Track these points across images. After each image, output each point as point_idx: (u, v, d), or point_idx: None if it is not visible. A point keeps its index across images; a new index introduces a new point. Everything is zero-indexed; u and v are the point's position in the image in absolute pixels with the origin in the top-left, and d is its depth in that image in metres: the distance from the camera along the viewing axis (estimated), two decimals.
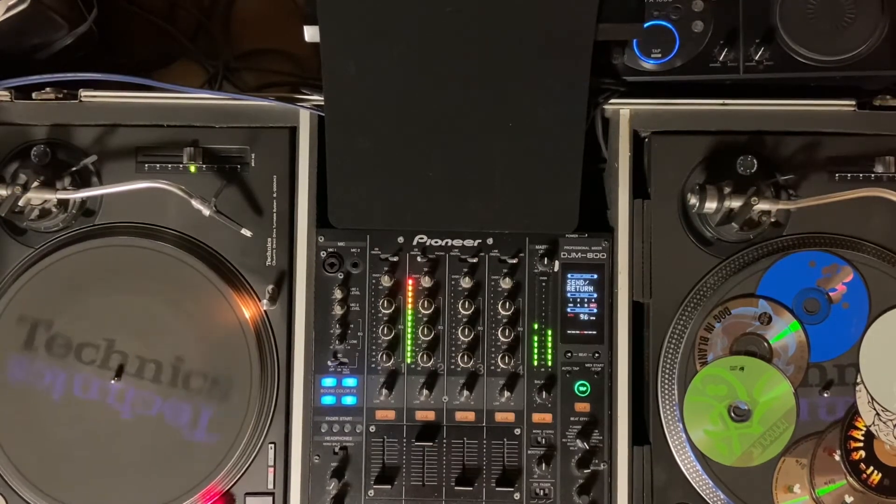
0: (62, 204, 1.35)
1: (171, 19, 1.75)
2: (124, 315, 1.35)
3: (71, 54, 1.52)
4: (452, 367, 1.38)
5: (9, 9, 1.35)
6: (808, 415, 1.33)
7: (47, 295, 1.35)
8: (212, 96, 1.42)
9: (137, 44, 1.75)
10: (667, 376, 1.36)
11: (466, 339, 1.38)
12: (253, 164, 1.40)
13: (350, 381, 1.38)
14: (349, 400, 1.38)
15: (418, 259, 1.39)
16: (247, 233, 1.34)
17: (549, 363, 1.38)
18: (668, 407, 1.36)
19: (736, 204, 1.32)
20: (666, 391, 1.36)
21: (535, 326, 1.39)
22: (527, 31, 1.25)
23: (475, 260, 1.39)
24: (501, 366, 1.38)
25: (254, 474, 1.36)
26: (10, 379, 1.34)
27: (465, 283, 1.38)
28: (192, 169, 1.38)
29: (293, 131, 1.40)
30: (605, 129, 1.44)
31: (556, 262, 1.39)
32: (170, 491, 1.34)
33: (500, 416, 1.38)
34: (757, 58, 1.40)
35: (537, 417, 1.37)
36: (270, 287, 1.37)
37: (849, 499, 1.32)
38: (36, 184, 1.31)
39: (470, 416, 1.38)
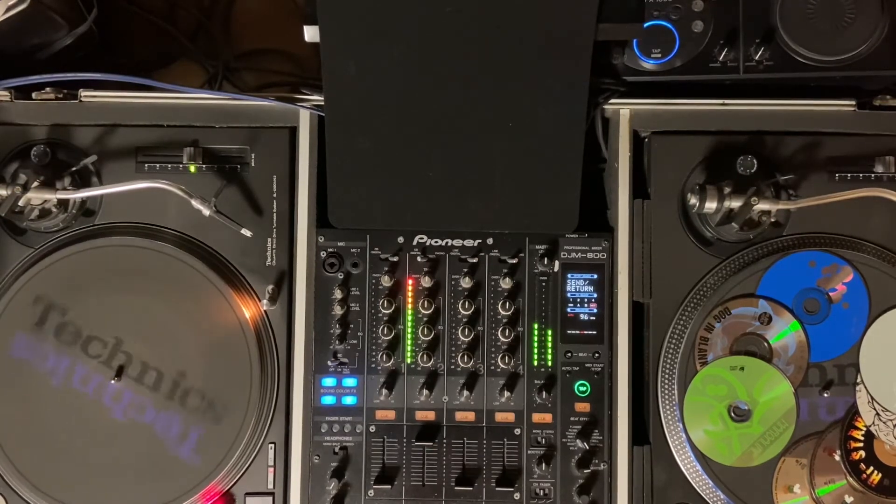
0: (62, 204, 1.35)
1: (171, 19, 1.75)
2: (133, 316, 1.35)
3: (71, 54, 1.52)
4: (452, 367, 1.38)
5: (9, 9, 1.35)
6: (808, 415, 1.33)
7: (69, 282, 1.35)
8: (212, 96, 1.42)
9: (137, 44, 1.75)
10: (667, 376, 1.36)
11: (466, 339, 1.38)
12: (253, 164, 1.40)
13: (350, 381, 1.38)
14: (349, 400, 1.38)
15: (418, 259, 1.39)
16: (247, 233, 1.34)
17: (549, 363, 1.38)
18: (668, 407, 1.36)
19: (736, 204, 1.32)
20: (666, 391, 1.36)
21: (535, 326, 1.39)
22: (527, 31, 1.25)
23: (475, 260, 1.39)
24: (501, 366, 1.38)
25: (254, 474, 1.36)
26: (14, 354, 1.34)
27: (465, 283, 1.38)
28: (192, 169, 1.38)
29: (293, 131, 1.40)
30: (605, 129, 1.44)
31: (556, 262, 1.39)
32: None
33: (500, 416, 1.38)
34: (757, 58, 1.40)
35: (537, 417, 1.37)
36: (270, 287, 1.37)
37: (849, 499, 1.32)
38: (36, 184, 1.31)
39: (470, 416, 1.38)
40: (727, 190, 1.32)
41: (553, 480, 1.36)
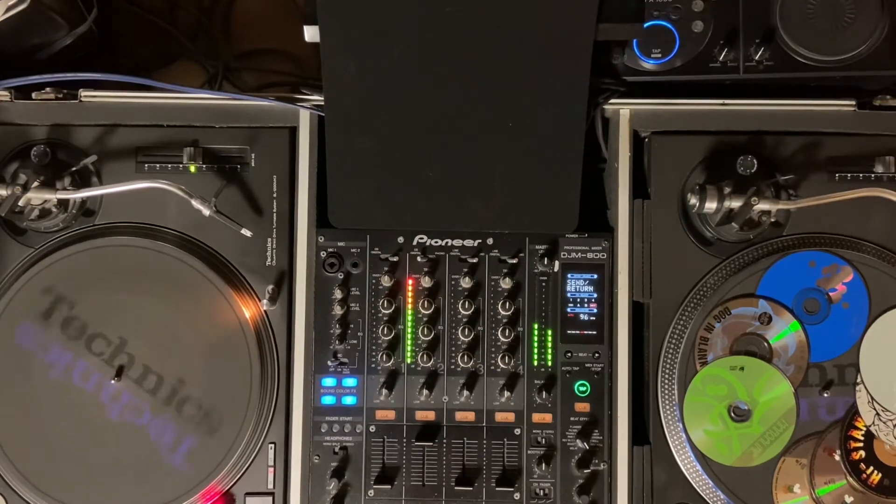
0: (62, 204, 1.35)
1: (171, 19, 1.75)
2: (138, 317, 1.34)
3: (71, 54, 1.52)
4: (452, 367, 1.38)
5: (9, 9, 1.35)
6: (808, 415, 1.33)
7: (80, 276, 1.35)
8: (212, 96, 1.42)
9: (137, 44, 1.74)
10: (667, 376, 1.36)
11: (466, 339, 1.38)
12: (253, 164, 1.40)
13: (350, 381, 1.38)
14: (349, 400, 1.38)
15: (418, 259, 1.39)
16: (247, 233, 1.34)
17: (549, 363, 1.38)
18: (668, 407, 1.36)
19: (736, 204, 1.32)
20: (666, 391, 1.36)
21: (535, 326, 1.39)
22: (527, 31, 1.25)
23: (475, 260, 1.39)
24: (501, 366, 1.38)
25: (254, 474, 1.36)
26: (17, 343, 1.34)
27: (465, 283, 1.38)
28: (192, 169, 1.38)
29: (293, 131, 1.40)
30: (605, 129, 1.44)
31: (556, 262, 1.39)
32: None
33: (500, 416, 1.38)
34: (757, 58, 1.40)
35: (537, 417, 1.37)
36: (270, 287, 1.37)
37: (849, 499, 1.32)
38: (36, 184, 1.31)
39: (470, 416, 1.38)
40: (727, 190, 1.32)
41: (553, 480, 1.36)
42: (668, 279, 1.38)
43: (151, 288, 1.35)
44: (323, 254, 1.39)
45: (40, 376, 1.34)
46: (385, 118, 1.32)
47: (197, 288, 1.35)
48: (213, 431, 1.34)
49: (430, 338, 1.38)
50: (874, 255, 1.35)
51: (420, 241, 1.40)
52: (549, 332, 1.39)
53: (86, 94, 1.40)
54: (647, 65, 1.41)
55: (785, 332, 1.34)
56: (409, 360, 1.38)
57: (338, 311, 1.38)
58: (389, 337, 1.38)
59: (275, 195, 1.39)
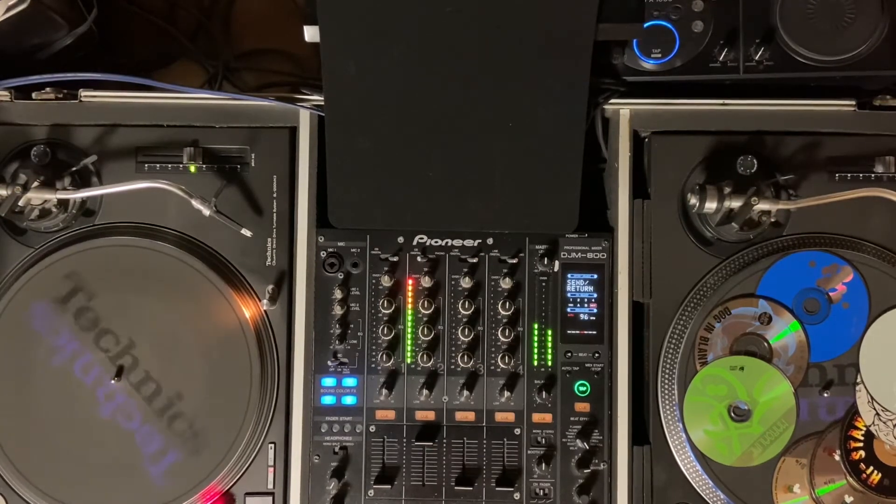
0: (62, 204, 1.35)
1: (171, 19, 1.75)
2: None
3: (71, 54, 1.52)
4: (452, 367, 1.38)
5: (9, 9, 1.35)
6: (808, 415, 1.33)
7: (104, 270, 1.35)
8: (212, 96, 1.42)
9: (137, 44, 1.75)
10: (667, 376, 1.36)
11: (466, 339, 1.38)
12: (253, 164, 1.40)
13: (350, 381, 1.38)
14: (349, 400, 1.38)
15: (418, 259, 1.39)
16: (247, 233, 1.34)
17: (549, 363, 1.38)
18: (668, 407, 1.36)
19: (736, 204, 1.32)
20: (666, 391, 1.36)
21: (535, 326, 1.39)
22: (527, 31, 1.25)
23: (475, 260, 1.39)
24: (501, 366, 1.38)
25: (254, 474, 1.36)
26: (27, 319, 1.34)
27: (465, 283, 1.38)
28: (192, 169, 1.38)
29: (293, 131, 1.40)
30: (605, 129, 1.44)
31: (556, 262, 1.39)
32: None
33: (500, 416, 1.38)
34: (757, 58, 1.40)
35: (537, 417, 1.37)
36: (270, 287, 1.37)
37: (849, 499, 1.32)
38: (36, 184, 1.31)
39: (470, 416, 1.38)
40: (727, 190, 1.32)
41: (553, 480, 1.36)
42: (668, 279, 1.38)
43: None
44: (323, 254, 1.39)
45: (44, 358, 1.34)
46: (385, 118, 1.32)
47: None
48: (197, 452, 1.34)
49: (430, 338, 1.38)
50: (874, 255, 1.35)
51: (420, 241, 1.40)
52: (549, 332, 1.39)
53: (86, 94, 1.40)
54: (647, 65, 1.41)
55: (785, 332, 1.34)
56: (409, 360, 1.38)
57: (338, 311, 1.38)
58: (389, 337, 1.38)
59: (275, 195, 1.39)
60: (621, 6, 1.25)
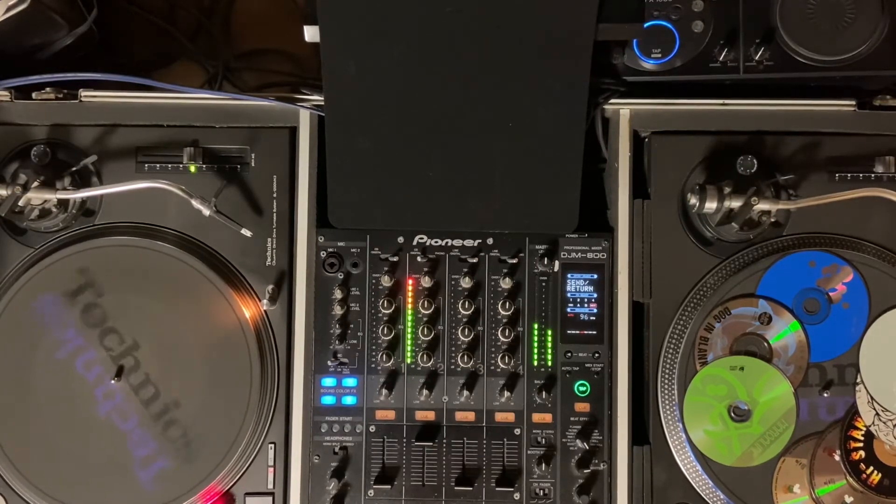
0: (62, 204, 1.35)
1: (171, 19, 1.75)
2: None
3: (71, 54, 1.52)
4: (452, 367, 1.38)
5: (9, 9, 1.35)
6: (808, 415, 1.33)
7: (105, 269, 1.35)
8: (212, 96, 1.42)
9: (137, 44, 1.75)
10: (667, 376, 1.36)
11: (466, 339, 1.38)
12: (253, 164, 1.40)
13: (350, 381, 1.38)
14: (349, 400, 1.38)
15: (418, 259, 1.39)
16: (247, 233, 1.34)
17: (549, 363, 1.38)
18: (668, 407, 1.36)
19: (736, 204, 1.32)
20: (666, 391, 1.36)
21: (535, 326, 1.39)
22: (527, 31, 1.25)
23: (475, 260, 1.39)
24: (501, 366, 1.38)
25: (254, 474, 1.36)
26: (35, 308, 1.34)
27: (465, 283, 1.38)
28: (192, 169, 1.38)
29: (293, 131, 1.40)
30: (605, 129, 1.44)
31: (556, 262, 1.39)
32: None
33: (500, 416, 1.38)
34: (757, 58, 1.40)
35: (537, 417, 1.37)
36: (270, 287, 1.37)
37: (849, 499, 1.32)
38: (36, 184, 1.31)
39: (470, 416, 1.38)
40: (727, 190, 1.32)
41: (553, 480, 1.36)
42: (668, 279, 1.38)
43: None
44: (323, 254, 1.39)
45: (47, 350, 1.34)
46: (385, 118, 1.32)
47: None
48: (188, 461, 1.33)
49: (430, 338, 1.38)
50: (874, 255, 1.35)
51: (420, 241, 1.40)
52: (549, 332, 1.39)
53: (86, 94, 1.40)
54: (647, 65, 1.41)
55: (785, 332, 1.34)
56: (409, 360, 1.38)
57: (338, 311, 1.38)
58: (389, 337, 1.38)
59: (275, 195, 1.39)
60: (621, 6, 1.25)
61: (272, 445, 1.37)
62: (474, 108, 1.31)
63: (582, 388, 1.38)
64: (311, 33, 1.26)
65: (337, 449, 1.37)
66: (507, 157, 1.34)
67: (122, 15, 1.72)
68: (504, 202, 1.37)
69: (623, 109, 1.41)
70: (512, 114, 1.32)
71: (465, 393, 1.37)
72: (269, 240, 1.39)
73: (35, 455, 1.33)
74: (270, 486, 1.36)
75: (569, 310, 1.39)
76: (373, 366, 1.38)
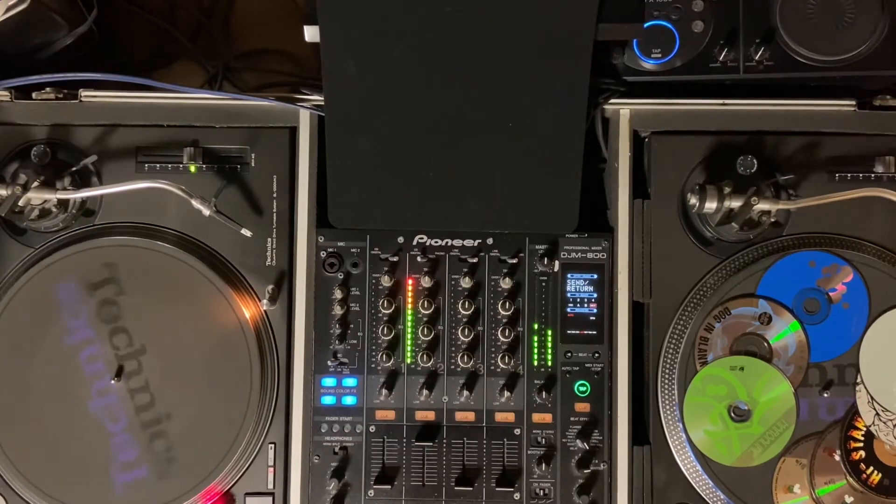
0: (62, 204, 1.35)
1: (171, 19, 1.75)
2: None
3: (71, 54, 1.52)
4: (452, 367, 1.38)
5: (9, 9, 1.35)
6: (808, 415, 1.33)
7: (138, 271, 1.35)
8: (212, 96, 1.42)
9: (137, 44, 1.75)
10: (667, 376, 1.36)
11: (466, 339, 1.38)
12: (253, 164, 1.40)
13: (350, 381, 1.38)
14: (349, 400, 1.38)
15: (418, 259, 1.39)
16: (247, 233, 1.34)
17: (549, 363, 1.38)
18: (668, 407, 1.36)
19: (736, 204, 1.32)
20: (666, 391, 1.36)
21: (535, 326, 1.39)
22: (527, 31, 1.25)
23: (475, 260, 1.39)
24: (501, 366, 1.38)
25: (254, 474, 1.36)
26: (54, 291, 1.34)
27: (465, 283, 1.38)
28: (192, 169, 1.38)
29: (293, 131, 1.40)
30: (605, 129, 1.44)
31: (556, 262, 1.39)
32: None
33: (500, 416, 1.38)
34: (757, 58, 1.40)
35: (537, 417, 1.37)
36: (270, 287, 1.37)
37: (849, 499, 1.32)
38: (36, 184, 1.31)
39: (470, 416, 1.38)
40: (727, 190, 1.32)
41: (553, 480, 1.36)
42: (668, 279, 1.38)
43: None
44: (323, 254, 1.39)
45: (56, 334, 1.34)
46: (385, 118, 1.32)
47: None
48: (164, 477, 1.33)
49: (430, 338, 1.38)
50: (874, 255, 1.35)
51: (420, 241, 1.40)
52: (549, 332, 1.39)
53: (86, 94, 1.40)
54: (647, 65, 1.41)
55: (785, 332, 1.34)
56: (409, 360, 1.38)
57: (338, 311, 1.38)
58: (389, 337, 1.38)
59: (275, 195, 1.39)
60: (621, 6, 1.25)
61: (272, 445, 1.37)
62: (474, 108, 1.31)
63: (582, 388, 1.38)
64: (311, 33, 1.26)
65: (337, 449, 1.37)
66: (507, 157, 1.34)
67: (122, 15, 1.72)
68: (504, 202, 1.37)
69: (623, 109, 1.41)
70: (512, 114, 1.32)
71: (465, 393, 1.37)
72: (269, 240, 1.39)
73: (21, 433, 1.33)
74: (270, 486, 1.36)
75: (569, 310, 1.39)
76: (373, 366, 1.38)
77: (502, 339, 1.38)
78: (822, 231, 1.37)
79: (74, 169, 1.36)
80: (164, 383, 1.34)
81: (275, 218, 1.39)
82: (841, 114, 1.39)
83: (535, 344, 1.38)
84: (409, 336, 1.39)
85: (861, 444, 1.32)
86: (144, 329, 1.35)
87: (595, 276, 1.39)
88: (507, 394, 1.37)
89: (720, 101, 1.40)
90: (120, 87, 1.39)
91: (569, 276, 1.39)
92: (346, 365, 1.38)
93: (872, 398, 1.32)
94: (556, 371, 1.38)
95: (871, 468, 1.32)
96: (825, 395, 1.33)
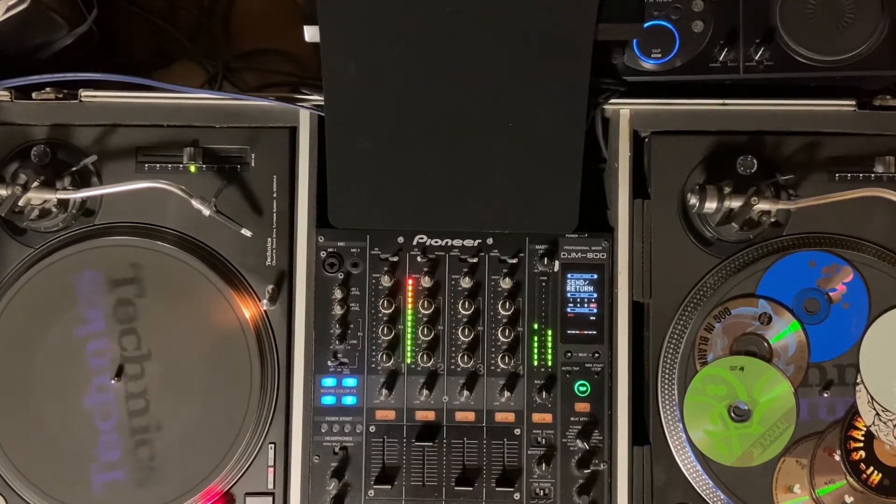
0: (62, 204, 1.35)
1: (171, 19, 1.75)
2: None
3: (71, 54, 1.52)
4: (452, 367, 1.38)
5: (9, 9, 1.35)
6: (808, 415, 1.33)
7: (163, 276, 1.35)
8: (212, 96, 1.42)
9: (137, 44, 1.75)
10: (667, 376, 1.36)
11: (466, 339, 1.38)
12: (253, 164, 1.40)
13: (350, 381, 1.38)
14: (349, 400, 1.38)
15: (418, 259, 1.39)
16: (247, 233, 1.34)
17: (549, 363, 1.38)
18: (668, 407, 1.36)
19: (736, 204, 1.32)
20: (666, 391, 1.36)
21: (535, 326, 1.39)
22: (527, 31, 1.25)
23: (475, 260, 1.39)
24: (501, 366, 1.38)
25: (254, 474, 1.36)
26: (75, 283, 1.34)
27: (465, 283, 1.38)
28: (192, 169, 1.38)
29: (293, 131, 1.40)
30: (605, 129, 1.44)
31: (556, 262, 1.39)
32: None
33: (500, 416, 1.38)
34: (757, 58, 1.40)
35: (537, 417, 1.37)
36: (270, 287, 1.37)
37: (849, 499, 1.32)
38: (36, 184, 1.31)
39: (470, 416, 1.38)
40: (727, 190, 1.32)
41: (553, 480, 1.36)
42: (668, 279, 1.38)
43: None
44: (323, 254, 1.39)
45: (68, 321, 1.34)
46: (385, 118, 1.32)
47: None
48: (142, 484, 1.33)
49: (430, 338, 1.38)
50: (874, 255, 1.35)
51: (420, 241, 1.40)
52: (549, 332, 1.39)
53: (86, 94, 1.40)
54: (647, 65, 1.41)
55: (785, 332, 1.34)
56: (409, 360, 1.38)
57: (338, 311, 1.38)
58: (389, 337, 1.38)
59: (275, 195, 1.39)
60: (621, 6, 1.25)
61: (272, 445, 1.37)
62: (474, 108, 1.31)
63: (582, 388, 1.38)
64: (311, 33, 1.26)
65: (337, 449, 1.37)
66: (507, 157, 1.34)
67: (122, 15, 1.72)
68: (504, 202, 1.37)
69: (623, 109, 1.41)
70: (512, 114, 1.32)
71: (465, 393, 1.37)
72: (269, 240, 1.39)
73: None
74: (270, 486, 1.36)
75: (569, 310, 1.39)
76: (373, 366, 1.38)
77: (502, 339, 1.38)
78: (822, 231, 1.37)
79: (74, 169, 1.36)
80: (163, 386, 1.34)
81: (275, 218, 1.39)
82: (841, 114, 1.39)
83: (535, 344, 1.38)
84: (409, 336, 1.39)
85: (861, 445, 1.32)
86: (144, 329, 1.34)
87: (595, 276, 1.39)
88: (507, 394, 1.37)
89: (720, 101, 1.40)
90: (120, 87, 1.39)
91: (569, 276, 1.39)
92: (346, 365, 1.38)
93: (872, 398, 1.32)
94: (556, 371, 1.38)
95: (871, 468, 1.32)
96: (825, 395, 1.33)
